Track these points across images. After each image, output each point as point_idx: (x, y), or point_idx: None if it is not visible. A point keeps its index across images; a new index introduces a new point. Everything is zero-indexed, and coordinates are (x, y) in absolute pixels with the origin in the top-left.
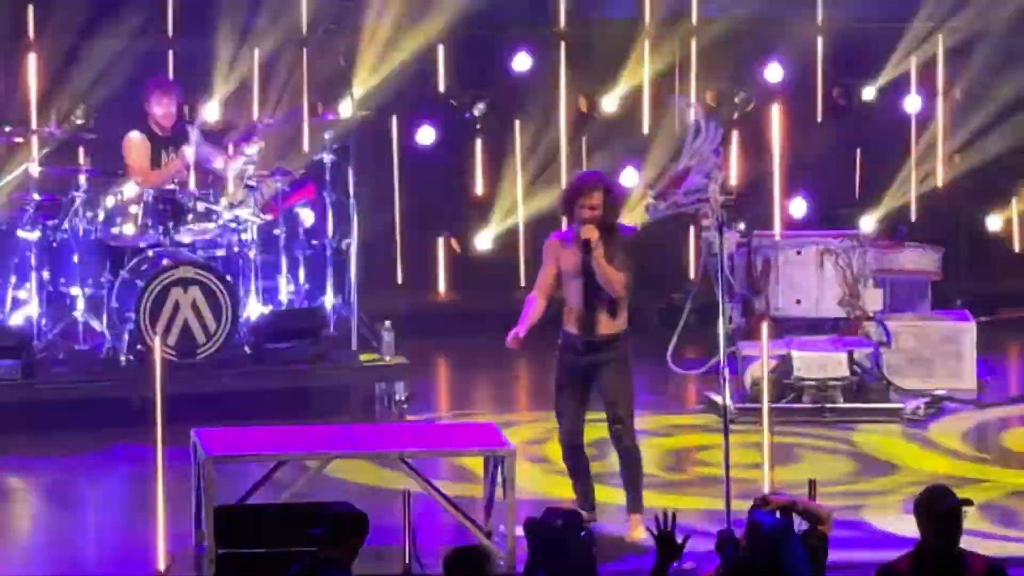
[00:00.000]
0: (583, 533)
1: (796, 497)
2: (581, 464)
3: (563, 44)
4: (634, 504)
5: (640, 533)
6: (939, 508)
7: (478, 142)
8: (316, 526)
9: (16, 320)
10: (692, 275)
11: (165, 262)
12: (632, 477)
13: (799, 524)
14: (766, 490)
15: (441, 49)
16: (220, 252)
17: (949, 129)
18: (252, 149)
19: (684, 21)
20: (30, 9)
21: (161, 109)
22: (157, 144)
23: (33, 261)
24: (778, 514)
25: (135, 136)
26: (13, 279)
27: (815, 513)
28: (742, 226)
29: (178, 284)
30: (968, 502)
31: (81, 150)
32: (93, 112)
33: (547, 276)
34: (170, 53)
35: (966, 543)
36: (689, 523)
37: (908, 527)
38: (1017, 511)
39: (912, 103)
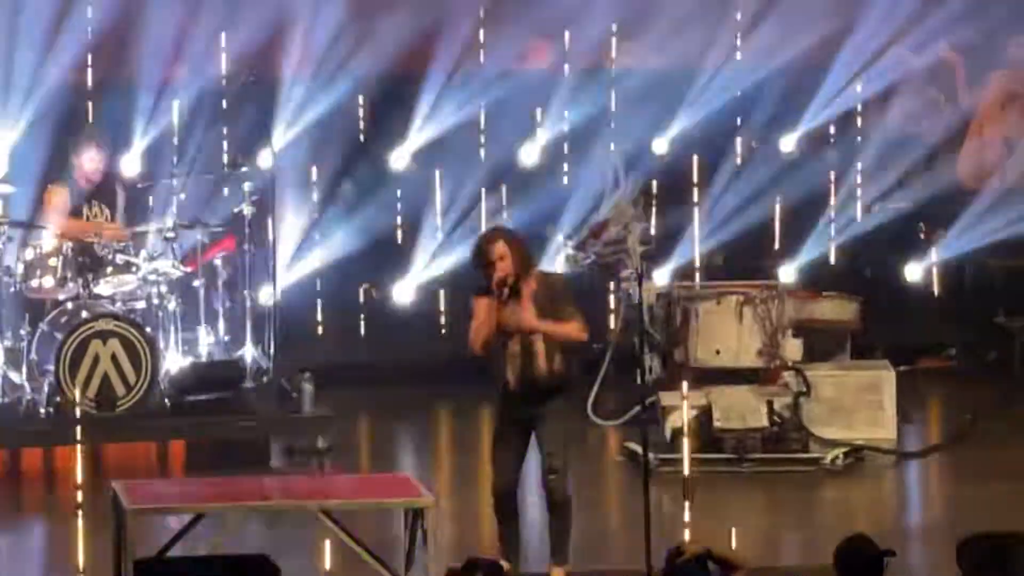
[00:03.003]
0: None
1: (711, 546)
2: (512, 515)
3: (483, 95)
4: (559, 555)
5: None
6: (860, 558)
7: (398, 192)
8: None
9: None
10: (612, 326)
11: (84, 314)
12: (561, 528)
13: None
14: (686, 540)
15: (361, 99)
16: (140, 304)
17: (868, 179)
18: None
19: (603, 72)
20: None
21: (92, 164)
22: (80, 198)
23: None
24: (694, 563)
25: (57, 188)
26: None
27: (730, 561)
28: (662, 277)
29: (97, 336)
30: (891, 552)
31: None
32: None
33: (482, 326)
34: (90, 104)
35: None
36: (611, 571)
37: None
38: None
39: (831, 153)
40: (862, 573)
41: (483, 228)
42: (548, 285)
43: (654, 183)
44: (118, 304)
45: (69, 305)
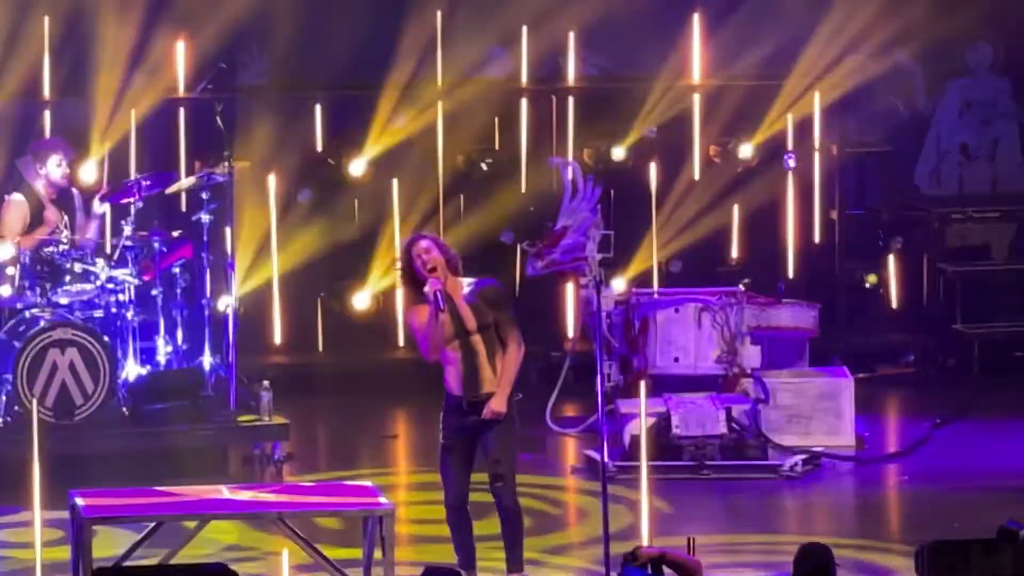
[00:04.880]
0: None
1: (665, 549)
2: (464, 525)
3: (440, 104)
4: (514, 563)
5: None
6: (812, 565)
7: (356, 201)
8: None
9: None
10: (570, 333)
11: (42, 323)
12: (513, 536)
13: None
14: (641, 544)
15: (319, 108)
16: (98, 313)
17: (826, 185)
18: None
19: (560, 80)
20: None
21: (60, 171)
22: (39, 207)
23: None
24: (649, 568)
25: (15, 198)
26: None
27: (684, 566)
28: (620, 285)
29: (55, 345)
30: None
31: None
32: None
33: (429, 334)
34: (47, 114)
35: None
36: None
37: None
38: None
39: (789, 160)
40: None
41: (440, 235)
42: (483, 295)
43: (612, 190)
44: (76, 313)
45: (27, 314)
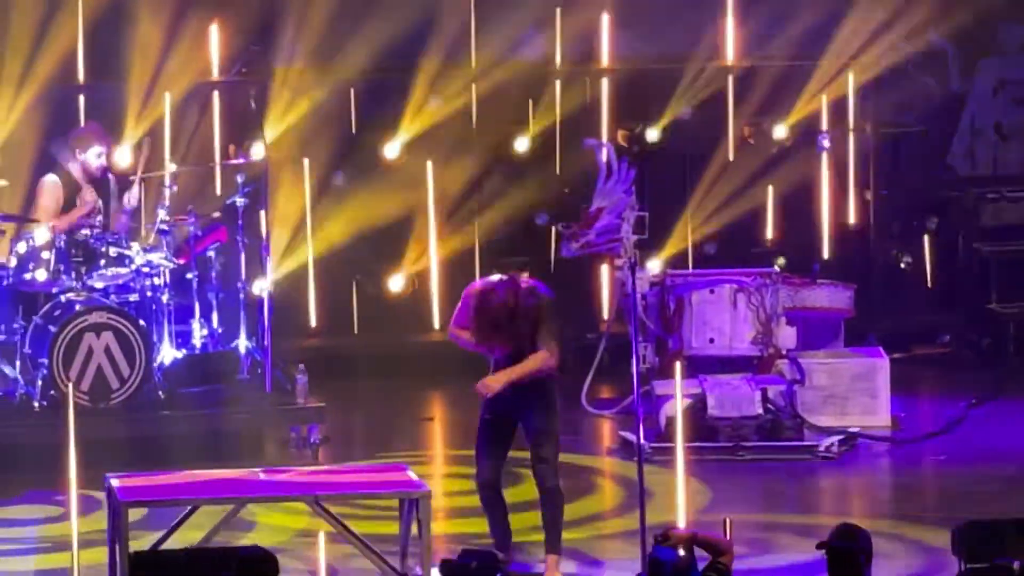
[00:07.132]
0: (499, 574)
1: (697, 530)
2: (497, 506)
3: (474, 86)
4: (553, 544)
5: (557, 574)
6: (837, 546)
7: (391, 184)
8: (227, 570)
9: None
10: (605, 315)
11: (78, 307)
12: (553, 517)
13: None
14: (678, 525)
15: (353, 91)
16: (133, 297)
17: (860, 166)
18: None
19: (594, 62)
20: None
21: (99, 161)
22: (74, 190)
23: None
24: (680, 548)
25: (49, 180)
26: None
27: (716, 546)
28: (655, 266)
29: (91, 329)
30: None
31: None
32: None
33: (465, 318)
34: (81, 98)
35: None
36: (606, 559)
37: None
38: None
39: (823, 140)
40: (839, 562)
41: (478, 219)
42: (536, 307)
43: (647, 172)
44: (112, 297)
45: (63, 298)
